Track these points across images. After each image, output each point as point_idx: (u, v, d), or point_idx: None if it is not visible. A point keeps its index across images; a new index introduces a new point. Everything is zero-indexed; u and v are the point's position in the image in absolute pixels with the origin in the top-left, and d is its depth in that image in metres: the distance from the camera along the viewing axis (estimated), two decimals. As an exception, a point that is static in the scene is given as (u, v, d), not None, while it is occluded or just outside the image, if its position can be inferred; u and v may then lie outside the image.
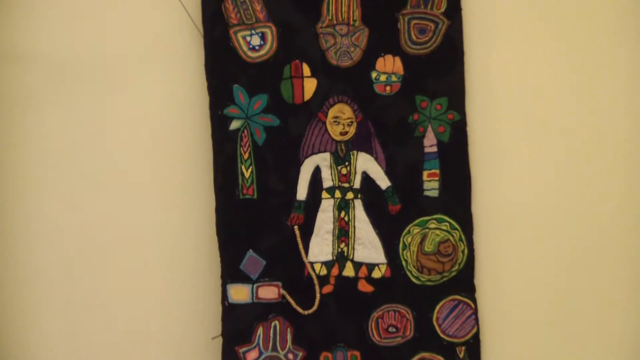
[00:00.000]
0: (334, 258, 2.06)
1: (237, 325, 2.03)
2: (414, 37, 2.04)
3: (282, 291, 2.04)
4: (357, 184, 2.06)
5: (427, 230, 2.07)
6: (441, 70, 2.05)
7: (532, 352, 2.08)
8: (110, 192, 2.09)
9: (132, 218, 2.10)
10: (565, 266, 2.08)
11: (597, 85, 2.07)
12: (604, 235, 2.06)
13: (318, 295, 2.05)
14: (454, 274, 2.06)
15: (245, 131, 2.04)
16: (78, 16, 2.04)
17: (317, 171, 2.07)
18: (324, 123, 2.03)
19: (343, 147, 2.06)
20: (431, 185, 2.06)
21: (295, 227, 2.06)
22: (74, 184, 2.08)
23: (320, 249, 2.06)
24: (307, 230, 2.05)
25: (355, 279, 2.06)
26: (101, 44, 2.06)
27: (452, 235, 2.06)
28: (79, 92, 2.08)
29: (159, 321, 2.10)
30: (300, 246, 2.05)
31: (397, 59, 2.05)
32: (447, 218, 2.07)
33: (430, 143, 2.06)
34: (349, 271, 2.07)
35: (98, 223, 2.09)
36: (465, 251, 2.06)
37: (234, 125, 2.04)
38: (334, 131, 2.04)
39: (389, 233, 2.06)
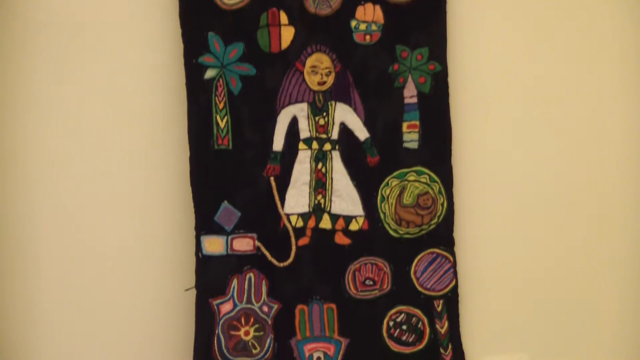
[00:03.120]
0: (311, 210, 2.13)
1: (211, 277, 2.10)
2: (394, -16, 1.98)
3: (257, 243, 2.12)
4: (334, 135, 2.14)
5: (406, 182, 2.14)
6: (423, 20, 2.11)
7: (510, 306, 2.20)
8: (82, 140, 2.17)
9: (105, 167, 2.18)
10: (545, 220, 2.19)
11: (585, 41, 2.17)
12: (583, 187, 2.20)
13: (294, 248, 2.12)
14: (432, 227, 2.15)
15: (221, 80, 2.09)
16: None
17: (294, 122, 2.13)
18: (302, 73, 2.10)
19: (321, 97, 2.13)
20: (411, 137, 2.14)
21: (271, 178, 2.13)
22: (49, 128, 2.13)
23: (296, 200, 2.13)
24: (284, 182, 2.12)
25: (332, 231, 2.14)
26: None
27: (432, 188, 2.14)
28: (49, 41, 2.12)
29: (131, 272, 2.19)
30: (276, 198, 2.12)
31: (378, 7, 2.11)
32: (426, 170, 2.15)
33: (410, 94, 2.13)
34: (325, 223, 2.14)
35: (70, 171, 2.17)
36: (445, 204, 2.14)
37: (209, 74, 2.09)
38: (312, 81, 2.11)
39: (367, 185, 2.14)
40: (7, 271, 2.10)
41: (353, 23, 2.11)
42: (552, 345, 2.17)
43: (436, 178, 2.15)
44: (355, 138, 2.13)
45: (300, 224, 2.13)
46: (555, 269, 2.21)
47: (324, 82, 2.11)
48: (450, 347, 2.14)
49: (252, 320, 2.12)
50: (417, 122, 2.14)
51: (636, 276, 2.13)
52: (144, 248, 2.19)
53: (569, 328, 2.19)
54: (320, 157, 2.13)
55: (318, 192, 2.13)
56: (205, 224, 2.11)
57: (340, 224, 2.13)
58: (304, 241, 2.14)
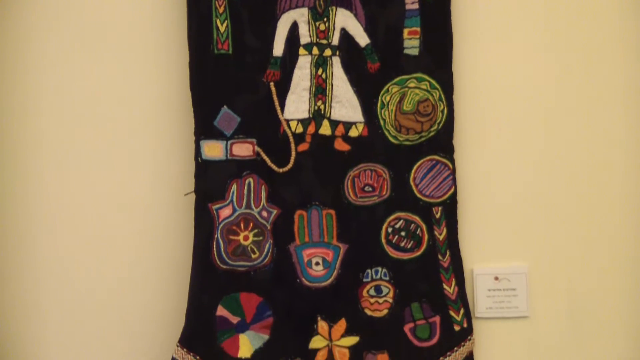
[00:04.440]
0: (311, 116, 2.18)
1: (210, 182, 2.16)
2: None
3: (257, 148, 2.17)
4: (335, 40, 2.18)
5: (406, 89, 2.19)
6: None
7: (509, 213, 2.25)
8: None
9: (106, 70, 2.25)
10: (545, 126, 2.25)
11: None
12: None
13: (293, 153, 2.17)
14: (432, 134, 2.20)
15: (221, -17, 2.00)
16: None
17: (294, 27, 2.17)
18: (302, -24, 2.01)
19: (322, 2, 2.16)
20: (411, 44, 2.18)
21: (271, 83, 2.18)
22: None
23: (296, 106, 2.18)
24: (283, 88, 2.17)
25: (332, 137, 2.19)
26: None
27: (432, 95, 2.19)
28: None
29: (130, 176, 2.27)
30: (276, 103, 2.17)
31: None
32: (427, 77, 2.20)
33: (411, 0, 2.14)
34: (325, 129, 2.19)
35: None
36: (445, 111, 2.19)
37: (209, -23, 2.00)
38: (313, -15, 2.01)
39: (367, 91, 2.19)
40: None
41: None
42: (550, 253, 2.24)
43: (436, 85, 2.19)
44: (356, 44, 2.17)
45: (300, 129, 2.18)
46: (555, 176, 2.25)
47: (325, -14, 1.99)
48: (448, 253, 2.20)
49: (251, 225, 2.16)
50: (418, 29, 2.17)
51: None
52: (144, 151, 2.26)
53: (568, 237, 2.24)
54: (321, 63, 2.16)
55: (318, 98, 2.17)
56: (204, 129, 2.16)
57: (340, 130, 2.18)
58: (303, 147, 2.18)
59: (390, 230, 2.20)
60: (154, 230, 2.25)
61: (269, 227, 2.17)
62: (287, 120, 2.18)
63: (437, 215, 2.21)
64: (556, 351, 2.25)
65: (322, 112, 2.18)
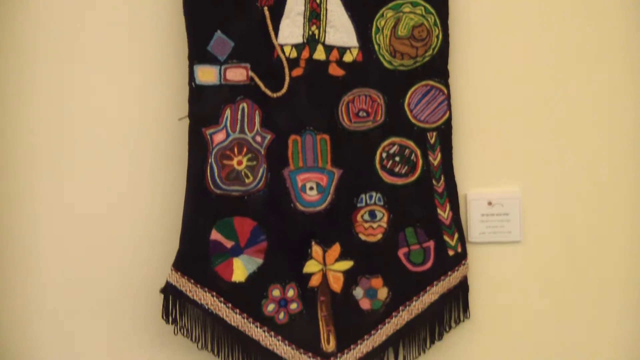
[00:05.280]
0: (305, 41, 2.20)
1: (204, 106, 2.20)
2: None
3: (251, 73, 2.20)
4: (329, -36, 2.06)
5: (401, 14, 2.20)
6: None
7: (503, 138, 2.28)
8: None
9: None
10: (541, 58, 2.28)
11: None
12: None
13: (287, 78, 2.20)
14: (427, 59, 2.22)
15: None
16: None
17: None
18: None
19: None
20: (406, -32, 2.07)
21: (265, 8, 2.19)
22: None
23: (290, 31, 2.19)
24: (278, 12, 2.19)
25: (326, 62, 2.21)
26: None
27: (427, 20, 2.20)
28: None
29: (124, 101, 2.32)
30: (270, 28, 2.19)
31: None
32: (421, 2, 2.20)
33: None
34: (319, 54, 2.22)
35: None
36: (440, 36, 2.21)
37: None
38: None
39: (362, 16, 2.20)
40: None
41: None
42: (544, 179, 2.27)
43: (431, 9, 2.20)
44: (350, -31, 2.03)
45: (294, 54, 2.20)
46: (549, 102, 2.28)
47: None
48: (442, 178, 2.23)
49: (245, 150, 2.20)
50: (413, -47, 2.03)
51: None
52: (136, 77, 2.31)
53: (562, 162, 2.26)
54: (315, -13, 2.03)
55: (312, 22, 2.19)
56: (198, 54, 2.19)
57: (335, 55, 2.20)
58: (297, 72, 2.20)
59: (384, 155, 2.23)
60: (148, 156, 2.29)
61: (262, 152, 2.21)
62: (281, 45, 2.19)
63: (432, 141, 2.24)
64: (548, 276, 2.30)
65: (317, 36, 2.19)
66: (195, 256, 2.19)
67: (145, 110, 2.29)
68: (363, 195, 2.24)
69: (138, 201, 2.29)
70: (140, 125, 2.28)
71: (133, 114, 2.28)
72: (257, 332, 2.22)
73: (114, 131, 2.29)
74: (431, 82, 2.23)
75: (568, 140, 2.26)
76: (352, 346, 2.23)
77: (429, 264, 2.26)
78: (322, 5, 2.19)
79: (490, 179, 2.29)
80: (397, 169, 2.25)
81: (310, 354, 2.22)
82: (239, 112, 2.20)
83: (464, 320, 2.26)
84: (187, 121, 2.19)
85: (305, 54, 2.20)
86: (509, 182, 2.30)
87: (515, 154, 2.26)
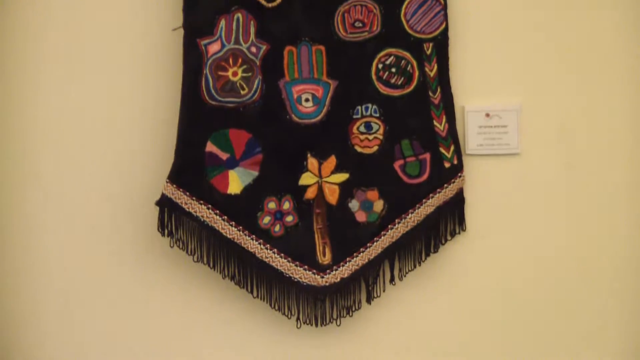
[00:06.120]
0: None
1: (198, 16, 2.21)
2: None
3: None
4: None
5: None
6: None
7: (501, 49, 2.34)
8: None
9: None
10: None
11: None
12: None
13: None
14: None
15: None
16: None
17: None
18: None
19: None
20: None
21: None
22: None
23: None
24: None
25: None
26: None
27: None
28: None
29: (119, 12, 2.35)
30: None
31: None
32: None
33: None
34: None
35: None
36: None
37: None
38: None
39: None
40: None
41: None
42: (542, 91, 2.32)
43: None
44: None
45: None
46: (550, 11, 2.33)
47: None
48: (439, 90, 2.26)
49: (240, 60, 2.22)
50: None
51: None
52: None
53: (562, 75, 2.31)
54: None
55: None
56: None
57: None
58: None
59: (380, 66, 2.25)
60: (143, 66, 2.31)
61: (258, 63, 2.23)
62: None
63: (428, 52, 2.26)
64: (545, 188, 2.33)
65: None
66: (191, 168, 2.22)
67: (139, 19, 2.31)
68: (359, 107, 2.26)
69: (132, 114, 2.31)
70: (135, 35, 2.31)
71: (128, 24, 2.31)
72: (252, 245, 2.25)
73: (108, 41, 2.32)
74: (428, -8, 2.07)
75: (568, 52, 2.28)
76: (347, 259, 2.27)
77: (424, 176, 2.29)
78: None
79: (488, 91, 2.31)
80: (393, 80, 2.26)
81: (305, 267, 2.26)
82: (234, 22, 2.21)
83: (459, 233, 2.30)
84: (181, 31, 2.21)
85: (302, -38, 2.05)
86: (507, 94, 2.32)
87: (514, 66, 2.28)
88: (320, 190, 2.27)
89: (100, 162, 2.31)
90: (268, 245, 2.26)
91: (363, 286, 2.29)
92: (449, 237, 2.31)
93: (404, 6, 2.24)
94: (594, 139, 2.29)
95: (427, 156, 2.29)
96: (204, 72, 2.21)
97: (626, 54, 2.24)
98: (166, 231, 2.22)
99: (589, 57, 2.28)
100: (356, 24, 2.24)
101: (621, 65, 2.25)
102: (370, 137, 2.28)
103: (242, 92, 2.23)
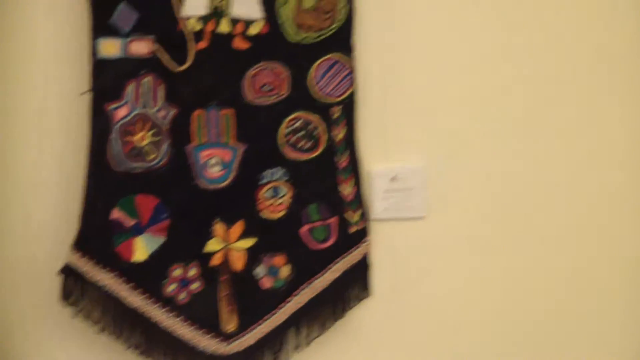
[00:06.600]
0: (211, 12, 2.25)
1: (106, 81, 2.22)
2: None
3: (155, 46, 2.23)
4: None
5: None
6: None
7: (407, 111, 2.44)
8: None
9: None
10: (450, 39, 2.42)
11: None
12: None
13: (191, 51, 2.24)
14: (332, 31, 2.30)
15: None
16: None
17: None
18: None
19: None
20: (309, -59, 2.09)
21: (171, -23, 2.03)
22: None
23: (196, 2, 2.25)
24: (184, -18, 2.05)
25: (231, 35, 2.27)
26: None
27: (332, -8, 2.09)
28: None
29: (25, 76, 2.36)
30: (175, -2, 2.05)
31: None
32: None
33: None
34: (225, 27, 2.26)
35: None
36: (346, 8, 2.31)
37: None
38: None
39: (267, -12, 2.09)
40: None
41: None
42: (448, 153, 2.42)
43: (337, -19, 2.07)
44: (256, -63, 2.04)
45: (198, 27, 2.25)
46: (455, 75, 2.43)
47: None
48: (346, 154, 2.33)
49: (148, 125, 2.24)
50: None
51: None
52: (39, 52, 2.35)
53: (467, 136, 2.44)
54: (220, -43, 2.03)
55: (217, -6, 2.03)
56: (100, 27, 2.24)
57: (240, 27, 2.26)
58: (202, 45, 2.26)
59: (288, 130, 2.31)
60: (49, 132, 2.32)
61: (167, 127, 2.26)
62: (187, 17, 2.26)
63: (336, 115, 2.33)
64: (451, 252, 2.44)
65: (222, 8, 2.25)
66: (96, 236, 2.21)
67: (46, 86, 2.32)
68: (266, 172, 2.31)
69: (37, 179, 2.31)
70: (41, 101, 2.31)
71: (33, 90, 2.31)
72: (157, 313, 2.25)
73: (14, 107, 2.32)
74: (336, 56, 2.32)
75: (471, 114, 2.41)
76: (253, 326, 2.30)
77: (331, 241, 2.34)
78: (227, -24, 2.03)
79: (395, 153, 2.40)
80: (300, 144, 2.31)
81: (210, 335, 2.29)
82: (142, 87, 2.23)
83: (366, 298, 2.33)
84: (89, 96, 2.22)
85: (210, 26, 2.25)
86: (414, 157, 2.42)
87: (420, 128, 2.39)
88: (226, 256, 2.28)
89: (5, 227, 2.25)
90: (173, 314, 2.25)
91: (270, 354, 2.28)
92: (355, 302, 2.34)
93: (312, 69, 2.30)
94: (499, 204, 2.44)
95: (333, 221, 2.33)
96: (111, 137, 2.21)
97: (527, 111, 2.43)
98: (71, 300, 2.18)
99: (493, 117, 2.43)
100: (264, 88, 2.28)
101: (526, 124, 2.46)
102: (278, 202, 2.31)
103: (150, 157, 2.25)
